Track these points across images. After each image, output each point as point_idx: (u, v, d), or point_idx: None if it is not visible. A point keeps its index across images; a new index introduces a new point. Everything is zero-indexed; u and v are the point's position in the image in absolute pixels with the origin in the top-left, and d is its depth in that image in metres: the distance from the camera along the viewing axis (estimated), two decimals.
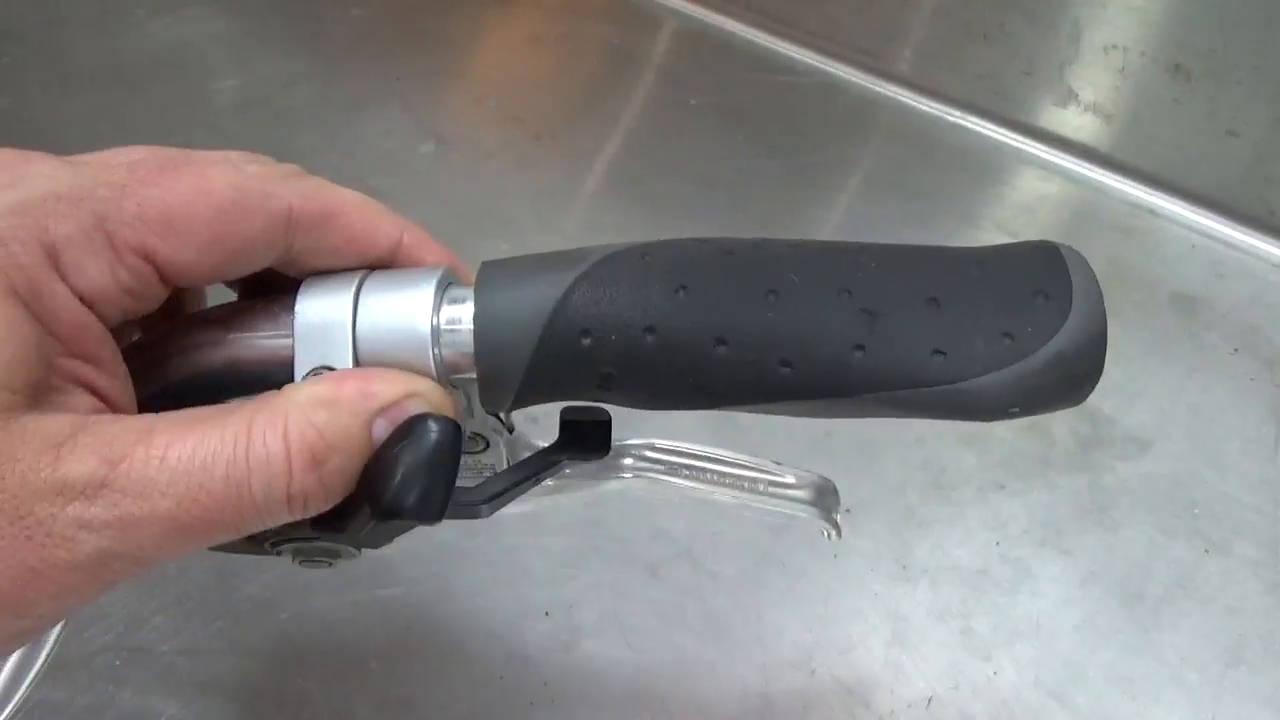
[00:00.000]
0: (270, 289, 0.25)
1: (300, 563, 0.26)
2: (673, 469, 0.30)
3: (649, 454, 0.29)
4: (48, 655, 0.22)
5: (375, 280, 0.22)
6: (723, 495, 0.30)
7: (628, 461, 0.29)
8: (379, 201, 0.24)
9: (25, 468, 0.17)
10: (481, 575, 0.39)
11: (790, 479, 0.30)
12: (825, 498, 0.30)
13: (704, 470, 0.30)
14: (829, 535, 0.30)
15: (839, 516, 0.30)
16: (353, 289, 0.22)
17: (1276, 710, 0.36)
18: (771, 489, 0.30)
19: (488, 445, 0.27)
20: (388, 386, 0.20)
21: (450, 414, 0.21)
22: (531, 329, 0.21)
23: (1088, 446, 0.45)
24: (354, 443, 0.20)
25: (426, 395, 0.21)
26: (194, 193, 0.20)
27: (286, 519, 0.20)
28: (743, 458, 0.30)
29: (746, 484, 0.30)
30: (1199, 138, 0.55)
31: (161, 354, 0.22)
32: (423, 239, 0.24)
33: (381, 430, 0.20)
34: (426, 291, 0.22)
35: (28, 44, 0.68)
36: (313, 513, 0.20)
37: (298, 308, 0.22)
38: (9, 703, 0.21)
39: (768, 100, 0.66)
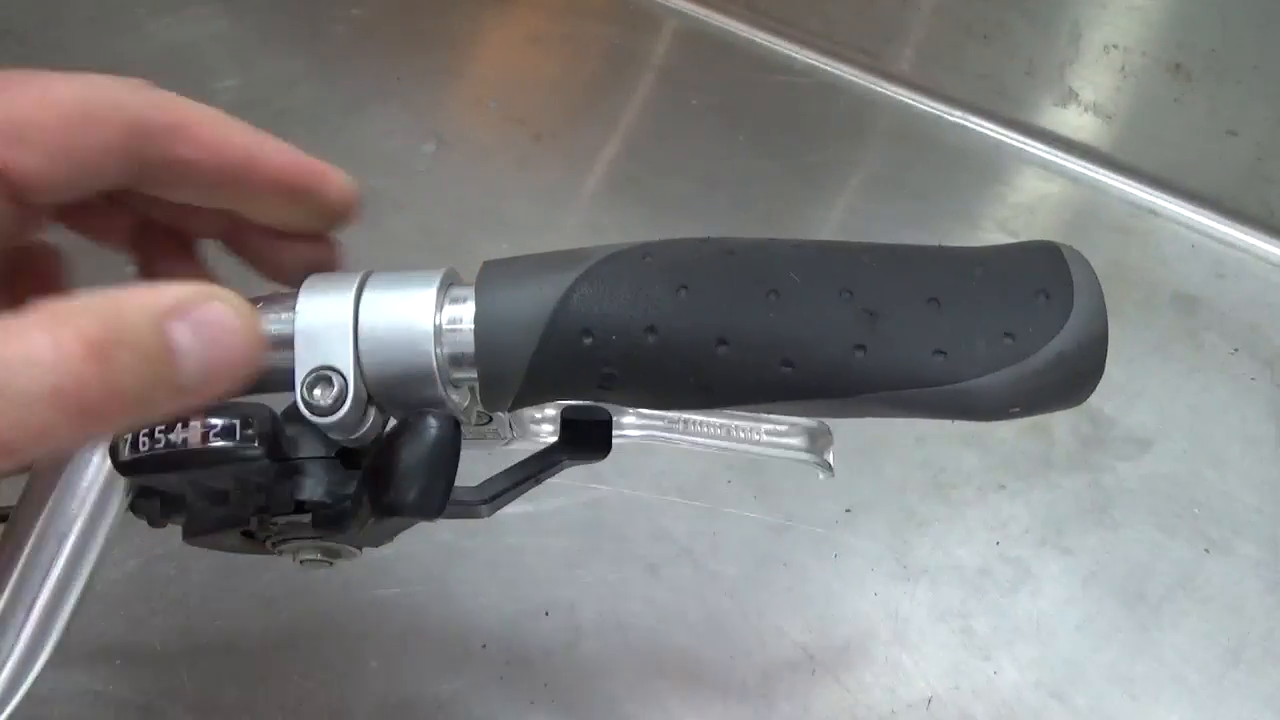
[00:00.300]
0: (141, 229, 0.25)
1: (300, 562, 0.26)
2: (671, 425, 0.30)
3: (647, 411, 0.30)
4: (49, 655, 0.22)
5: (377, 279, 0.22)
6: (721, 446, 0.30)
7: (629, 419, 0.29)
8: (245, 123, 0.23)
9: None
10: (481, 575, 0.39)
11: (784, 426, 0.31)
12: (817, 440, 0.31)
13: (702, 424, 0.30)
14: (822, 476, 0.31)
15: (830, 457, 0.31)
16: (354, 288, 0.22)
17: (1277, 710, 0.36)
18: (767, 436, 0.30)
19: (490, 419, 0.27)
20: (182, 287, 0.18)
21: (253, 323, 0.19)
22: (533, 329, 0.21)
23: (1088, 446, 0.45)
24: (144, 340, 0.17)
25: (226, 299, 0.18)
26: (39, 103, 0.20)
27: (63, 426, 0.16)
28: (738, 409, 0.30)
29: (743, 434, 0.30)
30: (1199, 137, 0.55)
31: None
32: (298, 157, 0.24)
33: (184, 337, 0.17)
34: (428, 291, 0.22)
35: (28, 44, 0.68)
36: (100, 425, 0.16)
37: (298, 307, 0.22)
38: (10, 701, 0.21)
39: (768, 100, 0.66)
